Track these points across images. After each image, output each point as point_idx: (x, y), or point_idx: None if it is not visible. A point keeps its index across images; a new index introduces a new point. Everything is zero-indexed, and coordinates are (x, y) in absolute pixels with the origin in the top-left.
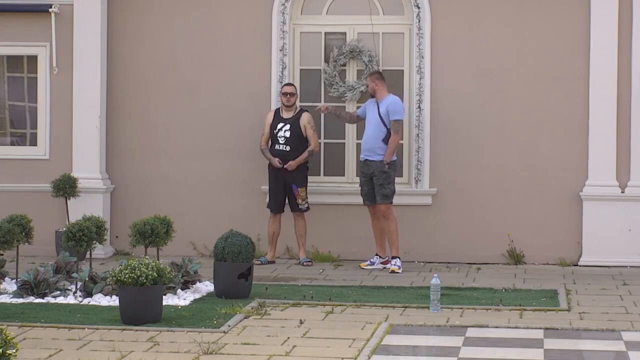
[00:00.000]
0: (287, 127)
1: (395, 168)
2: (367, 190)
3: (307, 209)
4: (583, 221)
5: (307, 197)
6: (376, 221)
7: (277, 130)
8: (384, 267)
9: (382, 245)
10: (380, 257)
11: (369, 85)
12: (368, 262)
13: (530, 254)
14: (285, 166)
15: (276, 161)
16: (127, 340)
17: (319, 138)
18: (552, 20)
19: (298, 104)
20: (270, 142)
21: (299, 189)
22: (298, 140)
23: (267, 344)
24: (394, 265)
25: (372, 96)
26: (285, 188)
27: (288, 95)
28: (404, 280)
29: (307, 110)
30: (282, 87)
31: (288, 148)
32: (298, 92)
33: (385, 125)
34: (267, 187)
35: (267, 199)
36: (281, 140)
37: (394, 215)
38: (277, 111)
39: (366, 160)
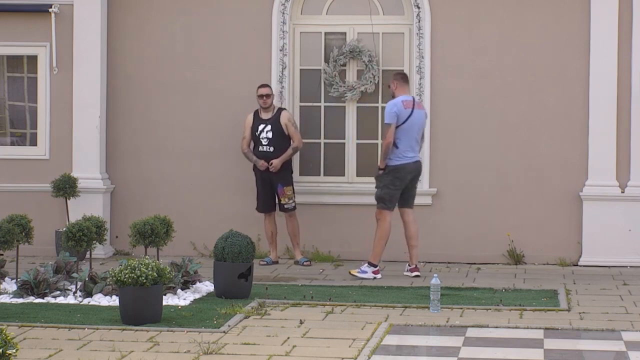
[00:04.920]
0: (269, 127)
1: (396, 174)
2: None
3: (294, 208)
4: (583, 221)
5: (294, 196)
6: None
7: (258, 132)
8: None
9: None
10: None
11: (390, 87)
12: (359, 271)
13: (530, 254)
14: (270, 167)
15: (261, 163)
16: (127, 340)
17: (320, 138)
18: (552, 20)
19: (275, 103)
20: (252, 145)
21: (284, 187)
22: (281, 139)
23: (267, 344)
24: (357, 268)
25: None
26: (272, 188)
27: (264, 97)
28: (404, 280)
29: (285, 108)
30: (258, 89)
31: (272, 149)
32: (274, 92)
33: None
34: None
35: (256, 202)
36: (264, 142)
37: (384, 223)
38: (256, 113)
39: None
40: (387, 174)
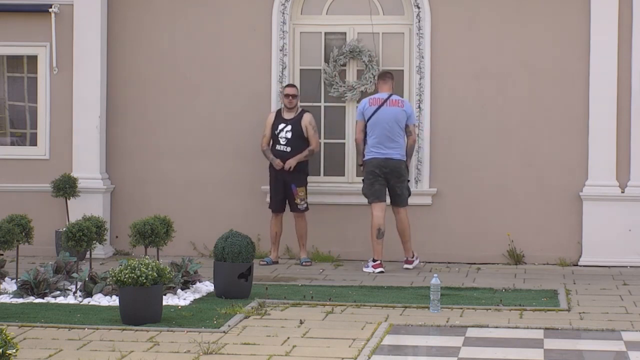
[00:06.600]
0: (289, 127)
1: (365, 167)
2: None
3: (306, 209)
4: (583, 221)
5: (306, 197)
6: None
7: (278, 131)
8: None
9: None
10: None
11: None
12: (365, 266)
13: (530, 254)
14: (285, 167)
15: (277, 162)
16: (127, 340)
17: (320, 138)
18: (552, 20)
19: (299, 104)
20: (271, 143)
21: (297, 188)
22: (299, 140)
23: (267, 344)
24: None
25: None
26: (285, 188)
27: (290, 97)
28: (404, 280)
29: (308, 111)
30: (284, 88)
31: (289, 149)
32: (299, 93)
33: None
34: (268, 187)
35: (268, 199)
36: (282, 141)
37: (371, 217)
38: (279, 112)
39: None
40: (364, 169)
